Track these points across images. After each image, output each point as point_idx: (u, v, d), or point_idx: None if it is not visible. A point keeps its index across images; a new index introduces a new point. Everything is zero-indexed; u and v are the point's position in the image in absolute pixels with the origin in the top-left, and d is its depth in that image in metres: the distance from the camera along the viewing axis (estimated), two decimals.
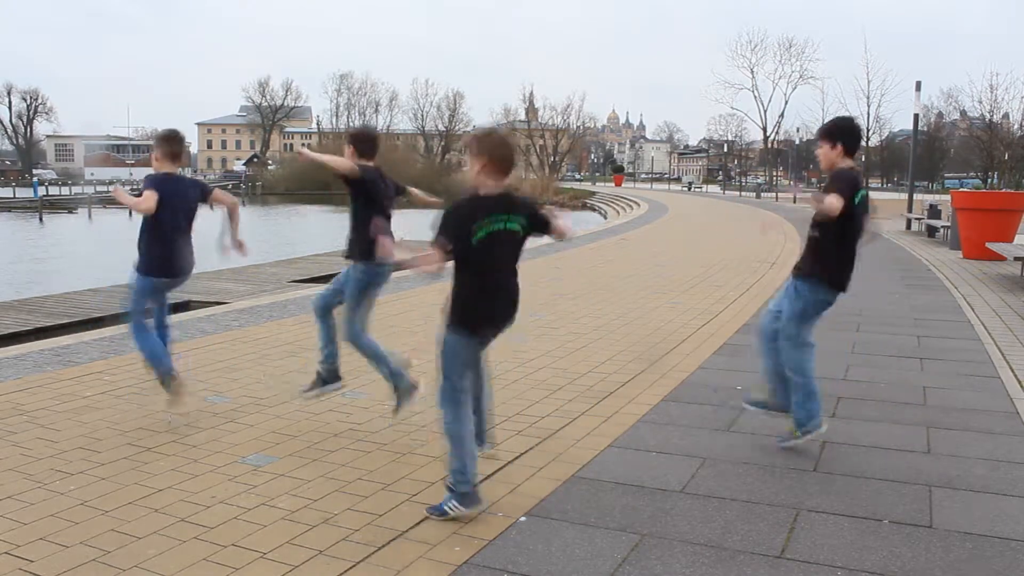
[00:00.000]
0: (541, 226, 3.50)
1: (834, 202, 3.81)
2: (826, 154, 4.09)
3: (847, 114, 4.34)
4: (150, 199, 4.52)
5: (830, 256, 4.07)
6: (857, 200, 3.95)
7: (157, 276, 4.72)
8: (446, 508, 3.39)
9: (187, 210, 4.76)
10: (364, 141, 4.58)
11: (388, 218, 4.60)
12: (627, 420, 4.75)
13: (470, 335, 3.43)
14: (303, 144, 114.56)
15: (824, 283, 4.10)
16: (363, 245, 4.40)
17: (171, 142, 4.80)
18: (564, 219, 3.58)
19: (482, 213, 3.27)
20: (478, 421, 3.75)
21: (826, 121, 4.31)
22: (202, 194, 4.85)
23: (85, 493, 3.67)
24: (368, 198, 4.47)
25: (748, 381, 5.60)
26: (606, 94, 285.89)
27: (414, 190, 4.89)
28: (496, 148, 3.32)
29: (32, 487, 3.73)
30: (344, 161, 4.43)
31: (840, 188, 3.89)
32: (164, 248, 4.67)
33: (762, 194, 52.66)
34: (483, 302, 3.39)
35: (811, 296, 4.12)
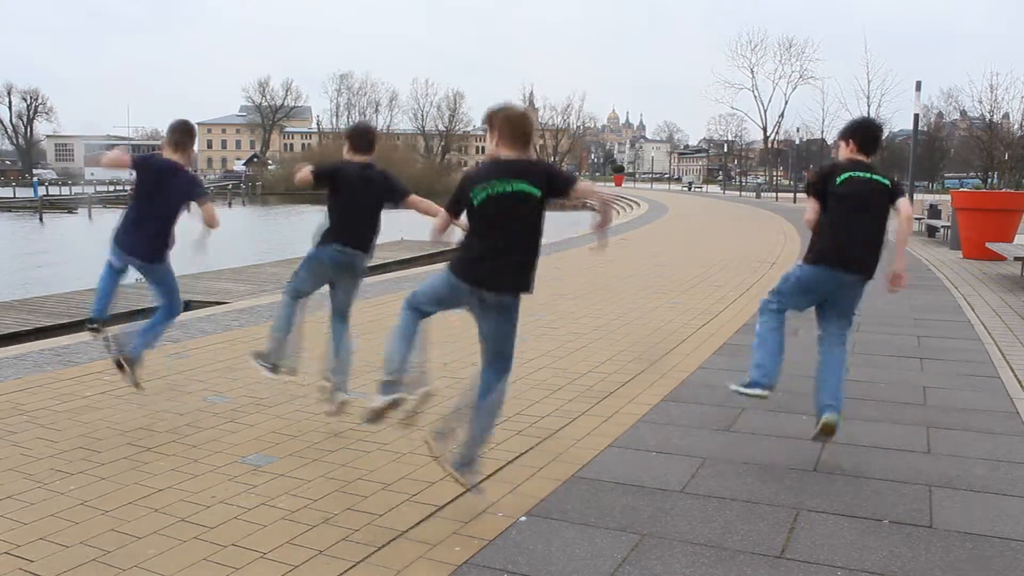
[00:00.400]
0: (560, 187, 3.42)
1: (807, 217, 4.24)
2: (841, 151, 4.27)
3: (870, 117, 4.54)
4: (117, 152, 4.80)
5: (821, 236, 4.15)
6: (839, 181, 4.06)
7: (114, 243, 4.87)
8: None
9: (168, 198, 4.82)
10: (355, 136, 4.65)
11: (366, 212, 4.57)
12: (627, 420, 4.75)
13: (456, 277, 3.43)
14: (303, 143, 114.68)
15: (812, 261, 4.15)
16: (326, 231, 4.55)
17: (175, 131, 4.94)
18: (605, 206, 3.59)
19: (483, 177, 3.37)
20: (463, 444, 3.51)
21: None
22: (196, 195, 4.88)
23: (85, 493, 3.67)
24: (336, 192, 4.51)
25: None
26: (606, 94, 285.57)
27: (414, 197, 4.71)
28: (504, 121, 3.43)
29: (32, 487, 3.73)
30: (297, 175, 4.53)
31: (807, 191, 4.26)
32: (126, 222, 4.85)
33: (762, 194, 52.68)
34: (479, 259, 3.40)
35: (798, 270, 4.22)
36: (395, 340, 3.59)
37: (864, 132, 4.22)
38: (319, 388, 4.72)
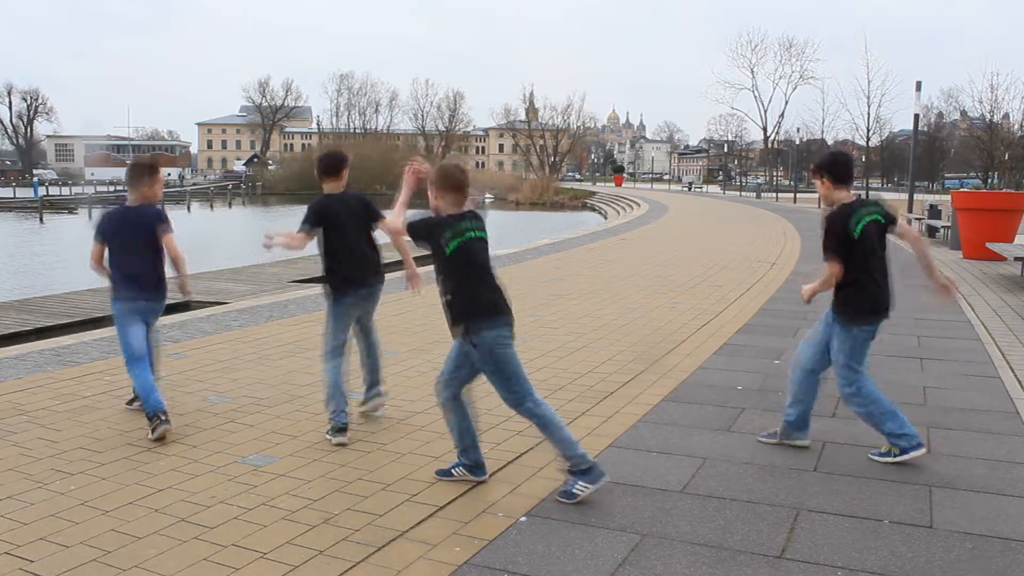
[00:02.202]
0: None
1: (832, 272, 4.03)
2: (820, 189, 4.21)
3: (839, 148, 4.40)
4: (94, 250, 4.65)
5: (848, 289, 4.09)
6: (859, 231, 4.00)
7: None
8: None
9: (132, 236, 4.61)
10: (321, 165, 4.59)
11: (358, 239, 4.55)
12: (627, 420, 4.75)
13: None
14: (303, 143, 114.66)
15: (851, 318, 4.12)
16: (330, 276, 4.54)
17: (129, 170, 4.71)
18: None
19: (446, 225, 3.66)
20: None
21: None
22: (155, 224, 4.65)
23: (85, 493, 3.67)
24: (329, 228, 4.48)
25: (748, 381, 5.60)
26: (606, 94, 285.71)
27: (385, 222, 4.55)
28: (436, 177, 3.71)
29: (32, 487, 3.73)
30: (289, 241, 4.43)
31: (828, 249, 4.06)
32: (114, 270, 4.62)
33: (762, 194, 52.69)
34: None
35: (846, 333, 4.13)
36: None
37: (835, 167, 4.14)
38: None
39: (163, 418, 4.37)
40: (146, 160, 4.93)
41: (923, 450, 4.04)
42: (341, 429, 4.40)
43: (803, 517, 3.46)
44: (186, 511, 3.48)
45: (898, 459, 4.05)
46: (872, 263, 4.07)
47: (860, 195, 4.26)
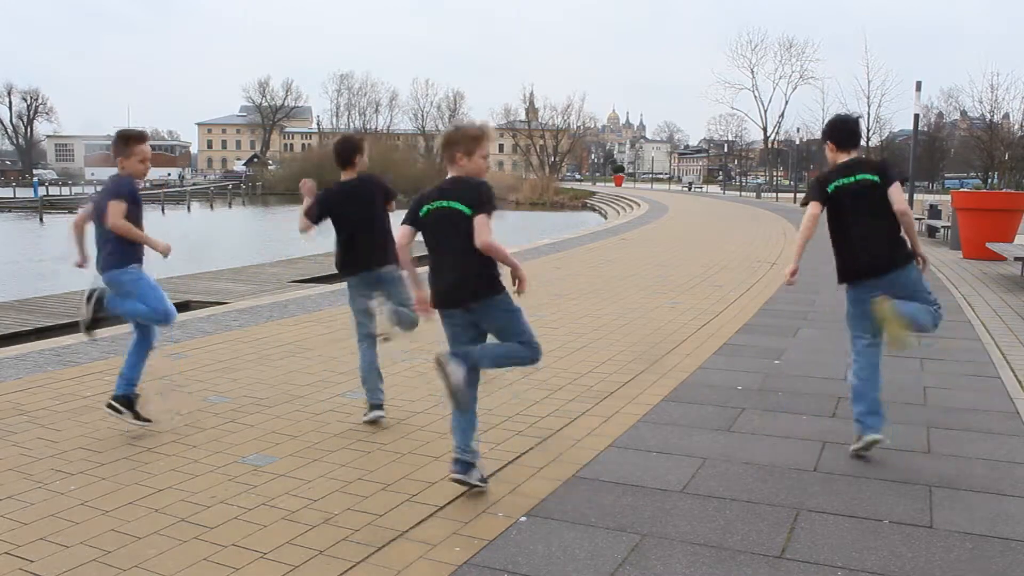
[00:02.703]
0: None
1: (809, 214, 4.18)
2: (827, 153, 4.31)
3: (843, 112, 4.53)
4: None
5: (837, 254, 4.21)
6: (831, 188, 4.11)
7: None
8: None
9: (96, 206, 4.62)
10: (337, 152, 4.70)
11: (369, 227, 4.64)
12: (627, 420, 4.75)
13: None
14: (303, 143, 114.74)
15: (839, 278, 4.22)
16: (341, 260, 4.76)
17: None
18: None
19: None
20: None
21: None
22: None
23: (85, 493, 3.67)
24: (336, 217, 4.66)
25: (748, 381, 5.60)
26: (606, 94, 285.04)
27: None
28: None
29: (32, 487, 3.73)
30: (300, 223, 4.67)
31: (806, 197, 4.32)
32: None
33: (762, 194, 52.70)
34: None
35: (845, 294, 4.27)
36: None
37: (836, 130, 4.24)
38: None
39: (116, 407, 4.45)
40: (125, 131, 4.71)
41: (873, 437, 4.08)
42: (376, 406, 4.65)
43: (803, 517, 3.46)
44: (186, 511, 3.48)
45: (855, 446, 4.14)
46: (850, 222, 4.10)
47: (861, 156, 4.25)
